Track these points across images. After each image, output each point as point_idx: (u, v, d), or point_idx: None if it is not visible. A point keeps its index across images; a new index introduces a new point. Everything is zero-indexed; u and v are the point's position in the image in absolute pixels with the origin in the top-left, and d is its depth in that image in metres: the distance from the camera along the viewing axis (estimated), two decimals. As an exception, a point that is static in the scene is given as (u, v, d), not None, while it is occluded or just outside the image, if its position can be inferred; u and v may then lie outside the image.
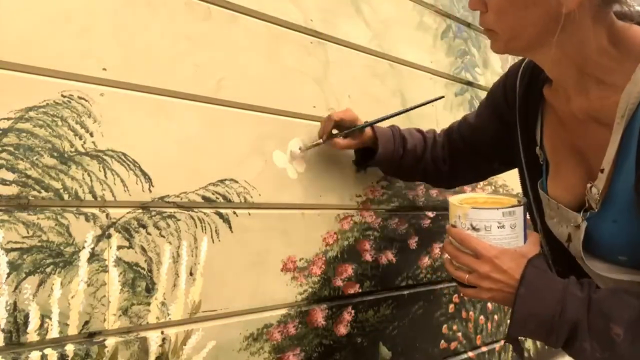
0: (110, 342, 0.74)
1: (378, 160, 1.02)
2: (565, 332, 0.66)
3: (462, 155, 1.04)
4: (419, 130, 1.09)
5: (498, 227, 0.73)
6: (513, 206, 0.73)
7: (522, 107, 0.86)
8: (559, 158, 0.80)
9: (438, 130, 1.12)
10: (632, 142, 0.65)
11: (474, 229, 0.74)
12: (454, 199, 0.78)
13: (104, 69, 0.78)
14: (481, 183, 1.49)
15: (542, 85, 0.81)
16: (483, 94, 1.56)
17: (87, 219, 0.74)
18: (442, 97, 1.09)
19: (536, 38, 0.69)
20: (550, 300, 0.67)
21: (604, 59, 0.68)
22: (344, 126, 1.00)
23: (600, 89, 0.69)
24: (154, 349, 0.78)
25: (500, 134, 0.93)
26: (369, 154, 1.05)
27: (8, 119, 0.68)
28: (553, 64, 0.73)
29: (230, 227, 0.90)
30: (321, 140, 1.00)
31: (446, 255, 0.79)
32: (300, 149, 1.01)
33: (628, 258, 0.71)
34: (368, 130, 1.03)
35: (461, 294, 0.76)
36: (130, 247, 0.78)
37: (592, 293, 0.67)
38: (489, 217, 0.73)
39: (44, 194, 0.70)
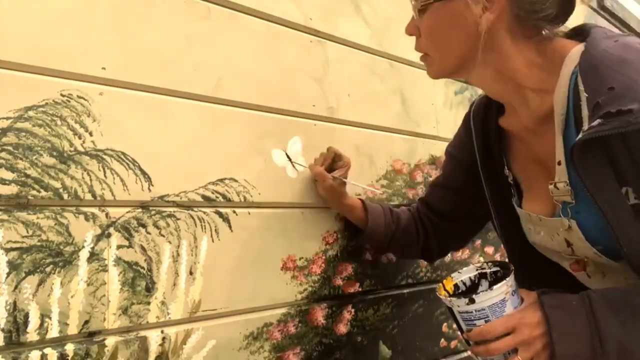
0: (110, 341, 0.74)
1: (369, 233, 1.01)
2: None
3: (444, 222, 1.05)
4: (406, 206, 1.10)
5: (506, 300, 0.72)
6: (505, 273, 0.74)
7: (481, 144, 0.91)
8: (528, 174, 0.84)
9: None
10: (572, 131, 0.71)
11: (482, 317, 0.72)
12: (445, 300, 0.76)
13: (103, 68, 0.78)
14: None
15: (496, 117, 0.87)
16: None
17: (86, 219, 0.74)
18: (382, 193, 1.13)
19: (463, 57, 0.76)
20: (584, 334, 0.67)
21: (534, 70, 0.74)
22: (339, 166, 0.99)
23: (539, 97, 0.75)
24: (154, 348, 0.78)
25: (469, 184, 0.97)
26: (359, 231, 1.05)
27: (7, 118, 0.68)
28: (490, 83, 0.79)
29: (230, 226, 0.90)
30: (308, 166, 1.01)
31: None
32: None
33: (603, 246, 0.72)
34: (359, 203, 1.03)
35: None
36: (130, 246, 0.78)
37: (619, 306, 0.67)
38: (499, 292, 0.72)
39: (43, 193, 0.70)
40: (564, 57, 0.72)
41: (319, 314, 1.01)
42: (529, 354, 0.70)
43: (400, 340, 1.18)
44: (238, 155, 0.93)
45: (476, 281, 0.80)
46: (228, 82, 0.92)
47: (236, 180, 0.92)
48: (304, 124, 1.05)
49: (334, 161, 1.00)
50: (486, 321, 0.72)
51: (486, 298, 0.72)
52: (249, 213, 0.93)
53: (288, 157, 1.01)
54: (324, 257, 1.04)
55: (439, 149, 1.37)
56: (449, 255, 1.34)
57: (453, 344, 1.33)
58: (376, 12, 1.23)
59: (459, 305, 0.74)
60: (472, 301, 0.72)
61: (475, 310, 0.72)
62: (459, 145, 1.00)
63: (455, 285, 0.80)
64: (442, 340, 1.30)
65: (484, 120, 0.90)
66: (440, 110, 1.39)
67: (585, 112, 0.69)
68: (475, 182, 0.94)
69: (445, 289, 0.80)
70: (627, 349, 0.66)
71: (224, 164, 0.90)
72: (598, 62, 0.68)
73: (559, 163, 0.74)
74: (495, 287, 0.72)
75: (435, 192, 1.06)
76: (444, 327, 1.31)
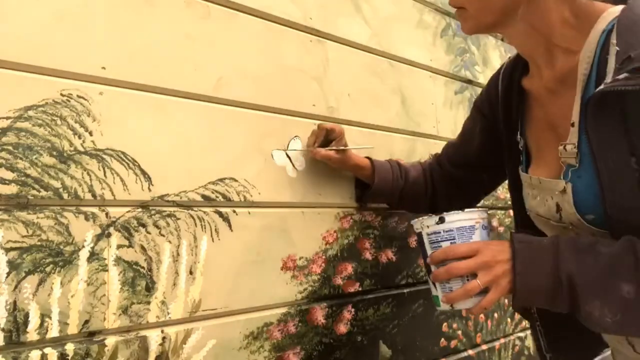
0: (110, 341, 0.74)
1: (375, 191, 1.05)
2: (567, 300, 0.67)
3: (454, 177, 1.07)
4: (418, 163, 1.13)
5: (475, 229, 0.74)
6: (483, 210, 0.76)
7: (504, 103, 0.90)
8: (540, 141, 0.83)
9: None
10: (591, 93, 0.69)
11: (449, 238, 0.74)
12: (416, 222, 0.79)
13: (103, 68, 0.78)
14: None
15: (520, 78, 0.86)
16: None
17: (86, 218, 0.74)
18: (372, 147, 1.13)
19: (503, 12, 0.74)
20: (546, 269, 0.68)
21: (567, 29, 0.73)
22: (333, 137, 1.01)
23: (566, 56, 0.74)
24: (154, 347, 0.78)
25: (486, 142, 0.98)
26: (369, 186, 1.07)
27: (7, 118, 0.68)
28: (523, 38, 0.78)
29: (230, 226, 0.90)
30: (305, 149, 1.02)
31: (442, 288, 0.76)
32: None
33: (595, 216, 0.71)
34: (365, 159, 1.05)
35: (483, 310, 0.73)
36: (130, 246, 0.78)
37: (586, 250, 0.67)
38: (470, 217, 0.75)
39: (43, 193, 0.70)
40: (598, 18, 0.71)
41: (319, 314, 1.01)
42: (489, 277, 0.70)
43: (400, 340, 1.18)
44: (238, 155, 0.93)
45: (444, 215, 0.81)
46: (228, 82, 0.92)
47: (236, 180, 0.92)
48: (304, 123, 1.05)
49: (327, 135, 1.01)
50: (452, 244, 0.74)
51: (456, 219, 0.75)
52: (249, 213, 0.93)
53: (288, 157, 1.01)
54: (324, 257, 1.04)
55: (439, 149, 1.36)
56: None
57: (453, 343, 1.33)
58: (376, 11, 1.23)
59: (429, 225, 0.76)
60: (441, 220, 0.75)
61: (444, 231, 0.75)
62: (486, 101, 0.99)
63: None
64: (442, 340, 1.30)
65: (510, 81, 0.89)
66: (440, 110, 1.39)
67: (611, 66, 0.67)
68: (493, 140, 0.95)
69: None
70: (579, 287, 0.66)
71: (223, 163, 0.90)
72: (638, 18, 0.67)
73: (573, 124, 0.72)
74: (467, 210, 0.75)
75: (453, 146, 1.08)
76: (444, 327, 1.31)
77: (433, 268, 0.76)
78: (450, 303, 0.75)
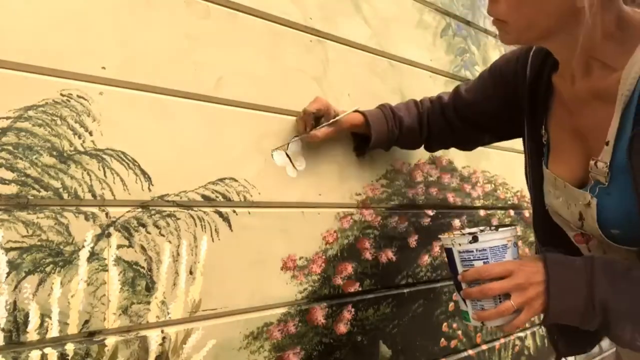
0: (110, 341, 0.74)
1: (373, 146, 1.05)
2: (598, 322, 0.69)
3: (455, 129, 1.07)
4: (415, 103, 1.11)
5: (508, 247, 0.73)
6: (510, 225, 0.75)
7: (531, 93, 0.88)
8: (561, 139, 0.82)
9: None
10: (631, 114, 0.68)
11: (482, 257, 0.73)
12: (446, 238, 0.77)
13: (103, 68, 0.78)
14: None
15: (550, 72, 0.84)
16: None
17: (86, 218, 0.74)
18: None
19: (549, 29, 0.72)
20: (579, 292, 0.68)
21: (610, 43, 0.70)
22: (321, 115, 1.00)
23: (603, 71, 0.72)
24: (154, 347, 0.78)
25: (501, 111, 0.97)
26: (366, 138, 1.07)
27: (7, 118, 0.68)
28: (561, 50, 0.76)
29: (230, 226, 0.90)
30: (299, 137, 1.01)
31: (473, 305, 0.75)
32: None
33: (621, 231, 0.72)
34: (358, 115, 1.05)
35: (515, 328, 0.73)
36: (130, 246, 0.78)
37: (620, 276, 0.68)
38: (503, 236, 0.73)
39: (43, 193, 0.70)
40: None
41: (319, 314, 1.01)
42: (522, 299, 0.70)
43: (400, 340, 1.18)
44: (238, 154, 0.93)
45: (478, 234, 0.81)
46: (228, 82, 0.92)
47: (236, 180, 0.92)
48: (304, 123, 1.04)
49: (315, 116, 1.00)
50: (485, 263, 0.73)
51: (489, 238, 0.73)
52: (249, 213, 0.93)
53: (288, 157, 1.01)
54: (324, 257, 1.04)
55: (439, 149, 1.37)
56: (449, 254, 1.34)
57: (453, 343, 1.33)
58: (376, 11, 1.23)
59: (461, 243, 0.74)
60: (475, 239, 0.73)
61: (477, 250, 0.73)
62: (512, 74, 0.94)
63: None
64: (442, 340, 1.30)
65: (539, 72, 0.87)
66: (440, 110, 1.39)
67: None
68: (509, 112, 0.94)
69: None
70: (611, 312, 0.67)
71: (223, 163, 0.90)
72: None
73: (607, 143, 0.71)
74: (501, 229, 0.73)
75: (463, 99, 1.05)
76: (444, 327, 1.31)
77: (464, 285, 0.75)
78: (482, 321, 0.74)
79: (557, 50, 0.78)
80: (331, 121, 0.99)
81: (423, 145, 1.13)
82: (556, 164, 0.82)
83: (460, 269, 0.76)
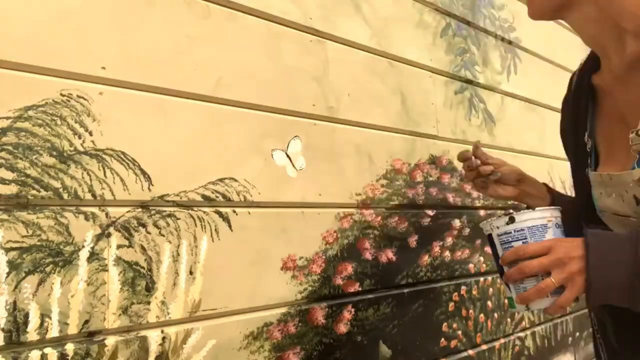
0: (110, 341, 0.74)
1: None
2: None
3: None
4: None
5: (548, 227, 0.71)
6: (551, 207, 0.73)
7: (573, 102, 0.86)
8: (611, 137, 0.78)
9: None
10: None
11: (520, 238, 0.71)
12: (485, 224, 0.76)
13: (103, 68, 0.78)
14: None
15: (590, 75, 0.81)
16: (483, 92, 1.56)
17: (86, 218, 0.74)
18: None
19: None
20: (624, 263, 0.64)
21: (638, 9, 0.67)
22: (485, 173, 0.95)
23: (637, 41, 0.69)
24: (154, 348, 0.78)
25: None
26: None
27: (7, 118, 0.68)
28: (589, 24, 0.73)
29: (230, 226, 0.90)
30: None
31: (516, 288, 0.72)
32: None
33: None
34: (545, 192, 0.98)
35: (560, 309, 0.69)
36: (130, 246, 0.78)
37: None
38: (541, 216, 0.71)
39: (43, 193, 0.70)
40: None
41: (319, 314, 1.01)
42: (563, 275, 0.66)
43: (400, 340, 1.18)
44: (238, 154, 0.93)
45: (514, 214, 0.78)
46: (228, 82, 0.92)
47: (236, 180, 0.92)
48: (304, 123, 1.05)
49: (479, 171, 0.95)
50: (524, 243, 0.71)
51: (526, 218, 0.71)
52: (249, 213, 0.93)
53: (288, 157, 1.01)
54: (324, 257, 1.04)
55: (439, 149, 1.37)
56: (449, 255, 1.34)
57: (453, 343, 1.33)
58: (376, 11, 1.23)
59: (499, 225, 0.73)
60: (512, 220, 0.72)
61: (515, 231, 0.72)
62: (563, 113, 0.92)
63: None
64: (442, 339, 1.30)
65: (580, 79, 0.85)
66: (440, 110, 1.39)
67: None
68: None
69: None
70: None
71: (224, 163, 0.90)
72: None
73: None
74: (538, 208, 0.72)
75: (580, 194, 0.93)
76: (444, 327, 1.31)
77: (505, 269, 0.73)
78: (525, 303, 0.71)
79: (585, 26, 0.75)
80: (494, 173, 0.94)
81: None
82: (606, 165, 0.78)
83: (500, 251, 0.74)
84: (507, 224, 0.72)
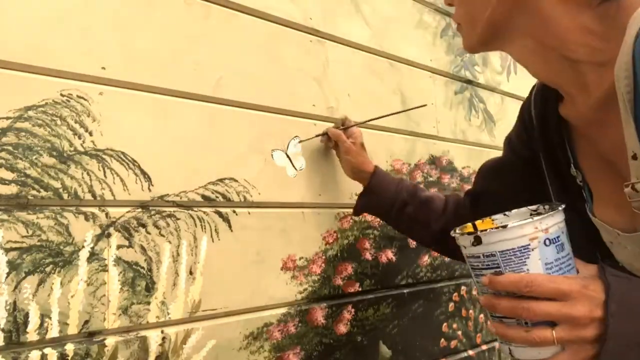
0: (110, 341, 0.74)
1: (369, 193, 1.00)
2: None
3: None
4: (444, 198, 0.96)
5: (530, 250, 0.51)
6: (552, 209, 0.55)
7: (542, 133, 0.73)
8: (596, 176, 0.66)
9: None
10: None
11: (492, 266, 0.52)
12: (453, 233, 0.58)
13: (103, 68, 0.78)
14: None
15: (556, 105, 0.69)
16: (483, 92, 1.56)
17: (86, 218, 0.74)
18: (425, 105, 1.12)
19: (491, 24, 0.62)
20: None
21: (588, 38, 0.57)
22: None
23: (597, 73, 0.57)
24: (154, 348, 0.78)
25: (534, 186, 0.77)
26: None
27: (7, 118, 0.68)
28: (533, 58, 0.63)
29: (229, 226, 0.90)
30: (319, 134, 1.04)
31: (492, 316, 0.56)
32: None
33: None
34: (371, 166, 1.02)
35: None
36: (130, 246, 0.78)
37: None
38: (518, 235, 0.51)
39: (43, 193, 0.70)
40: (629, 19, 0.53)
41: (319, 314, 1.01)
42: (571, 337, 0.51)
43: (400, 340, 1.18)
44: (238, 154, 0.93)
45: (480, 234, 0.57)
46: (228, 82, 0.92)
47: (236, 180, 0.92)
48: (304, 124, 1.05)
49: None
50: (496, 274, 0.52)
51: (497, 239, 0.52)
52: (249, 213, 0.93)
53: (288, 157, 1.01)
54: (324, 257, 1.04)
55: (439, 149, 1.37)
56: (449, 255, 1.34)
57: (453, 343, 1.33)
58: (376, 12, 1.23)
59: (465, 245, 0.55)
60: (477, 240, 0.53)
61: (484, 255, 0.53)
62: (521, 138, 0.81)
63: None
64: (442, 340, 1.30)
65: (544, 108, 0.72)
66: (440, 110, 1.39)
67: None
68: (533, 182, 0.77)
69: (474, 227, 0.60)
70: None
71: (223, 163, 0.90)
72: None
73: (634, 157, 0.54)
74: (511, 224, 0.51)
75: (495, 204, 0.76)
76: (444, 327, 1.31)
77: (485, 289, 0.55)
78: (504, 340, 0.54)
79: (529, 62, 0.64)
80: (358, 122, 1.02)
81: (432, 235, 0.95)
82: (600, 208, 0.64)
83: (474, 278, 0.56)
84: (473, 245, 0.53)
